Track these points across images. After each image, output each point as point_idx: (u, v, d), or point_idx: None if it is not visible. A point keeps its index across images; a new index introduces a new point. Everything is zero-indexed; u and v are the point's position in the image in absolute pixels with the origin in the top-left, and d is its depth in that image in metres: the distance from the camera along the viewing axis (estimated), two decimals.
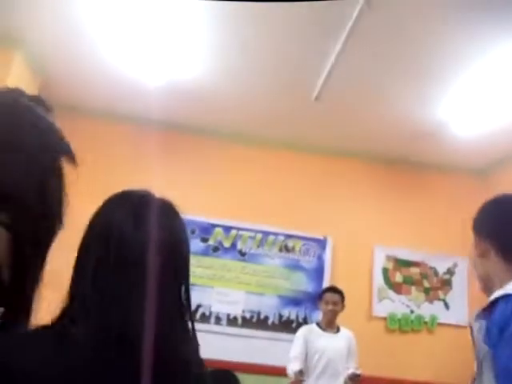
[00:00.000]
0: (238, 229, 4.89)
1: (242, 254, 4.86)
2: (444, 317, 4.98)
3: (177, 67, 3.93)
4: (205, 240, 4.83)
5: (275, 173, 5.11)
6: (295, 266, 4.89)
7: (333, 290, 3.97)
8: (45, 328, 0.79)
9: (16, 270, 0.70)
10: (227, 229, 4.88)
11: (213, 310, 4.68)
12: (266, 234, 4.92)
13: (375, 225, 5.10)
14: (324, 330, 3.89)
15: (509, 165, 4.86)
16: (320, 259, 4.93)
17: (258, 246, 4.89)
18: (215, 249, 4.84)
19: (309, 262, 4.91)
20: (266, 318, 4.74)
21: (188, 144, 5.02)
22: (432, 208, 5.19)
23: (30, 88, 3.99)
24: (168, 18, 3.30)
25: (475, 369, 1.39)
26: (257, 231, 4.91)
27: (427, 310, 4.99)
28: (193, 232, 4.73)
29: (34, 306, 0.76)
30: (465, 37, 3.24)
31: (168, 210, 0.96)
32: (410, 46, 3.41)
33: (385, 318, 4.92)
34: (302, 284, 4.86)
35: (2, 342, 0.74)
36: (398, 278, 5.03)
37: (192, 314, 0.95)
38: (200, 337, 0.94)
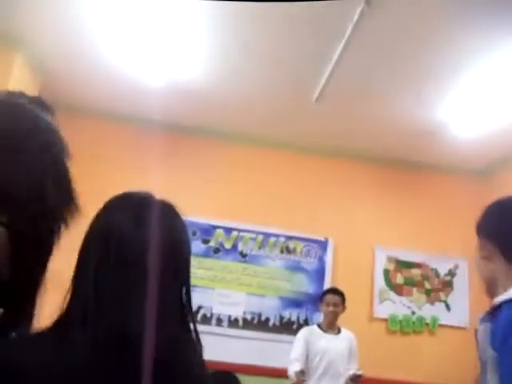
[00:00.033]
0: (239, 230, 4.89)
1: (243, 255, 4.86)
2: (445, 318, 4.98)
3: (177, 67, 3.93)
4: (206, 241, 4.82)
5: (276, 174, 5.11)
6: (296, 268, 4.89)
7: (333, 291, 3.96)
8: (46, 329, 0.79)
9: (16, 270, 0.69)
10: (228, 230, 4.88)
11: (214, 311, 4.68)
12: (267, 235, 4.91)
13: (376, 226, 5.10)
14: (325, 331, 3.88)
15: (509, 165, 4.86)
16: (321, 260, 4.92)
17: (259, 248, 4.89)
18: (216, 250, 4.83)
19: (310, 263, 4.91)
20: (267, 319, 4.74)
21: (189, 144, 5.02)
22: (433, 209, 5.19)
23: (30, 88, 3.99)
24: (168, 18, 3.31)
25: (479, 370, 1.40)
26: (258, 233, 4.91)
27: (428, 311, 4.98)
28: (194, 233, 4.73)
29: (36, 306, 0.76)
30: (465, 38, 3.24)
31: (168, 212, 0.96)
32: (411, 46, 3.42)
33: (386, 320, 4.92)
34: (303, 285, 4.85)
35: (4, 342, 0.74)
36: (399, 279, 5.02)
37: (194, 316, 0.94)
38: (201, 338, 0.94)
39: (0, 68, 3.72)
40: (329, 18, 3.21)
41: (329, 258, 4.93)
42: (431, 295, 5.02)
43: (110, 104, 4.72)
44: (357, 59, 3.58)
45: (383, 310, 4.92)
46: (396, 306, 4.95)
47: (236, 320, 4.69)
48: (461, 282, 5.04)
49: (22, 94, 0.79)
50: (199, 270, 4.65)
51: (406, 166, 5.27)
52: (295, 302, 4.80)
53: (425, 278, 5.04)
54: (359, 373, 3.61)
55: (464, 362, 4.65)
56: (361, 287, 4.87)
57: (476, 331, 1.44)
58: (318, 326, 3.95)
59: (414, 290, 5.01)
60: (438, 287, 5.05)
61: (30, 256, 0.71)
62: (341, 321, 3.94)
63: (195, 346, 0.93)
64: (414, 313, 4.96)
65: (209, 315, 4.65)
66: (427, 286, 5.04)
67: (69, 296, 0.84)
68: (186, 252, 0.96)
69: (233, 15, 3.28)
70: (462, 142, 4.62)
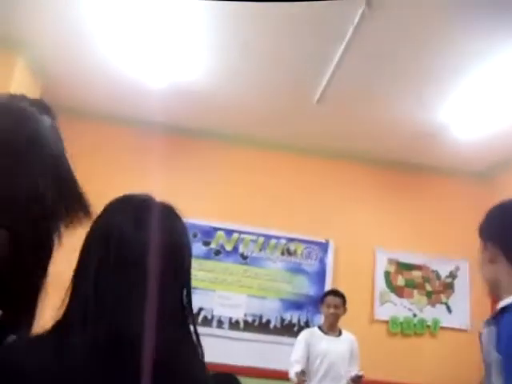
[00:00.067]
0: (240, 232, 4.89)
1: (244, 257, 4.86)
2: (446, 320, 4.97)
3: (178, 69, 3.94)
4: (207, 243, 4.82)
5: (277, 176, 5.11)
6: (297, 270, 4.89)
7: (334, 293, 3.96)
8: (46, 331, 0.80)
9: (17, 272, 0.70)
10: (229, 232, 4.88)
11: (215, 313, 4.67)
12: (267, 237, 4.91)
13: (377, 228, 5.09)
14: (326, 333, 3.88)
15: (510, 168, 4.86)
16: (322, 262, 4.92)
17: (260, 250, 4.89)
18: (217, 252, 4.83)
19: (311, 265, 4.91)
20: (268, 321, 4.73)
21: (189, 146, 5.02)
22: (434, 211, 5.19)
23: (31, 91, 4.00)
24: (169, 19, 3.31)
25: (483, 372, 1.41)
26: (259, 235, 4.91)
27: (429, 313, 4.97)
28: (195, 236, 4.73)
29: (37, 308, 0.76)
30: (466, 40, 3.24)
31: (169, 214, 0.96)
32: (412, 48, 3.42)
33: (387, 322, 4.91)
34: (304, 287, 4.85)
35: (4, 345, 0.75)
36: (399, 281, 5.02)
37: (194, 318, 0.95)
38: (202, 340, 0.94)
39: (1, 71, 3.73)
40: (329, 18, 3.22)
41: (330, 259, 4.93)
42: (432, 297, 5.01)
43: (111, 106, 4.72)
44: (358, 61, 3.59)
45: (384, 312, 4.92)
46: (397, 308, 4.94)
47: (237, 322, 4.69)
48: (462, 284, 5.03)
49: (23, 97, 0.80)
50: (200, 271, 4.65)
51: (407, 168, 5.27)
52: (296, 304, 4.79)
53: (426, 280, 5.04)
54: (360, 373, 3.61)
55: (465, 365, 4.65)
56: (361, 289, 4.87)
57: (480, 334, 1.46)
58: (319, 328, 3.95)
59: (415, 292, 5.01)
60: (439, 289, 5.04)
61: (30, 258, 0.72)
62: (342, 323, 3.93)
63: (196, 347, 0.93)
64: (415, 315, 4.95)
65: (210, 317, 4.65)
66: (428, 288, 5.03)
67: (68, 297, 0.84)
68: (187, 254, 0.96)
69: (233, 15, 3.29)
70: (463, 144, 4.62)
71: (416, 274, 5.04)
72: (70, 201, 0.78)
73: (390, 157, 5.19)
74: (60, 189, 0.76)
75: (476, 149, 4.69)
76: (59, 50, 3.86)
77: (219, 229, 4.87)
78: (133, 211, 0.91)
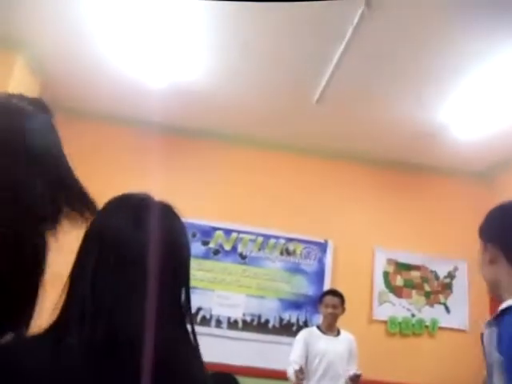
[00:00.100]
0: (239, 232, 4.89)
1: (243, 257, 4.86)
2: (445, 321, 4.97)
3: (178, 69, 3.93)
4: (205, 243, 4.82)
5: (276, 176, 5.11)
6: (296, 270, 4.89)
7: (333, 293, 3.96)
8: (43, 330, 0.79)
9: (16, 271, 0.70)
10: (228, 232, 4.88)
11: (213, 313, 4.67)
12: (266, 237, 4.92)
13: (376, 228, 5.10)
14: (324, 333, 3.88)
15: (510, 168, 4.86)
16: (321, 262, 4.92)
17: (259, 249, 4.89)
18: (216, 252, 4.83)
19: (309, 265, 4.91)
20: (267, 321, 4.73)
21: (189, 146, 5.02)
22: (433, 211, 5.19)
23: (31, 90, 3.99)
24: (169, 19, 3.31)
25: (485, 373, 1.43)
26: (257, 234, 4.91)
27: (428, 313, 4.97)
28: (193, 235, 4.73)
29: (35, 307, 0.76)
30: (466, 40, 3.24)
31: (168, 213, 0.96)
32: (411, 48, 3.42)
33: (385, 322, 4.91)
34: (303, 287, 4.85)
35: (1, 345, 0.75)
36: (398, 281, 5.02)
37: (192, 317, 0.94)
38: (200, 340, 0.94)
39: (1, 70, 3.73)
40: (329, 19, 3.22)
41: (328, 259, 4.93)
42: (431, 297, 5.02)
43: (111, 106, 4.72)
44: (357, 61, 3.59)
45: (383, 312, 4.92)
46: (395, 308, 4.95)
47: (235, 322, 4.69)
48: (460, 285, 5.04)
49: (21, 96, 0.80)
50: (199, 271, 4.65)
51: (407, 168, 5.27)
52: (295, 304, 4.79)
53: (424, 280, 5.04)
54: (358, 372, 3.62)
55: (463, 365, 4.65)
56: (360, 289, 4.87)
57: (482, 335, 1.47)
58: (318, 327, 3.95)
59: (414, 292, 5.01)
60: (438, 289, 5.05)
61: (29, 257, 0.72)
62: (340, 323, 3.94)
63: (194, 347, 0.93)
64: (413, 315, 4.95)
65: (208, 317, 4.65)
66: (427, 288, 5.03)
67: (65, 297, 0.84)
68: (186, 253, 0.96)
69: (233, 15, 3.28)
70: (463, 144, 4.62)
71: (415, 274, 5.04)
72: (71, 199, 0.78)
73: (390, 157, 5.20)
74: (60, 188, 0.76)
75: (476, 149, 4.69)
76: (59, 49, 3.86)
77: (218, 228, 4.87)
78: (131, 210, 0.91)
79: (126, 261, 0.85)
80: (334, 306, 3.84)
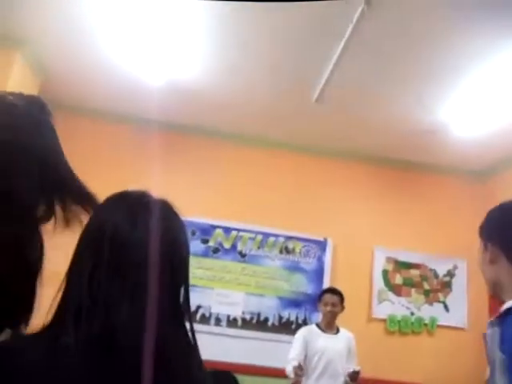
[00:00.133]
0: (239, 230, 4.89)
1: (242, 255, 4.86)
2: (444, 319, 4.98)
3: (177, 67, 3.93)
4: (205, 241, 4.82)
5: (276, 174, 5.12)
6: (295, 268, 4.89)
7: (332, 291, 3.96)
8: (40, 329, 0.79)
9: (15, 270, 0.69)
10: (227, 230, 4.88)
11: (213, 311, 4.68)
12: (266, 235, 4.92)
13: (375, 226, 5.10)
14: (323, 331, 3.88)
15: (510, 167, 4.86)
16: (320, 261, 4.92)
17: (259, 248, 4.89)
18: (215, 250, 4.83)
19: (309, 263, 4.91)
20: (266, 319, 4.74)
21: (188, 144, 5.02)
22: (432, 210, 5.19)
23: (30, 88, 3.98)
24: (168, 18, 3.31)
25: (488, 372, 1.44)
26: (257, 232, 4.91)
27: (427, 312, 4.98)
28: (193, 233, 4.73)
29: (33, 306, 0.76)
30: (466, 38, 3.23)
31: (167, 211, 0.96)
32: (411, 48, 3.41)
33: (385, 320, 4.92)
34: (302, 285, 4.85)
35: (0, 343, 0.74)
36: (397, 279, 5.02)
37: (191, 315, 0.94)
38: (200, 338, 0.93)
39: (0, 68, 3.73)
40: (329, 18, 3.21)
41: (328, 258, 4.93)
42: (430, 296, 5.02)
43: (110, 103, 4.72)
44: (357, 60, 3.58)
45: (382, 311, 4.92)
46: (395, 307, 4.95)
47: (235, 320, 4.70)
48: (459, 283, 5.04)
49: (19, 95, 0.79)
50: (198, 269, 4.65)
51: (406, 166, 5.27)
52: (294, 302, 4.80)
53: (423, 278, 5.05)
54: (357, 369, 3.62)
55: (462, 363, 4.67)
56: (360, 287, 4.88)
57: (484, 335, 1.48)
58: (317, 325, 3.95)
59: (413, 290, 5.01)
60: (437, 288, 5.05)
61: (28, 256, 0.71)
62: (339, 321, 3.94)
63: (193, 345, 0.92)
64: (412, 313, 4.96)
65: (207, 315, 4.65)
66: (426, 286, 5.04)
67: (62, 295, 0.83)
68: (185, 251, 0.95)
69: (232, 14, 3.28)
70: (463, 143, 4.62)
71: (414, 272, 5.05)
72: (70, 197, 0.77)
73: (389, 155, 5.19)
74: (59, 186, 0.75)
75: (476, 148, 4.69)
76: (58, 47, 3.85)
77: (217, 226, 4.87)
78: (129, 208, 0.91)
79: (124, 259, 0.85)
80: (333, 304, 3.85)
